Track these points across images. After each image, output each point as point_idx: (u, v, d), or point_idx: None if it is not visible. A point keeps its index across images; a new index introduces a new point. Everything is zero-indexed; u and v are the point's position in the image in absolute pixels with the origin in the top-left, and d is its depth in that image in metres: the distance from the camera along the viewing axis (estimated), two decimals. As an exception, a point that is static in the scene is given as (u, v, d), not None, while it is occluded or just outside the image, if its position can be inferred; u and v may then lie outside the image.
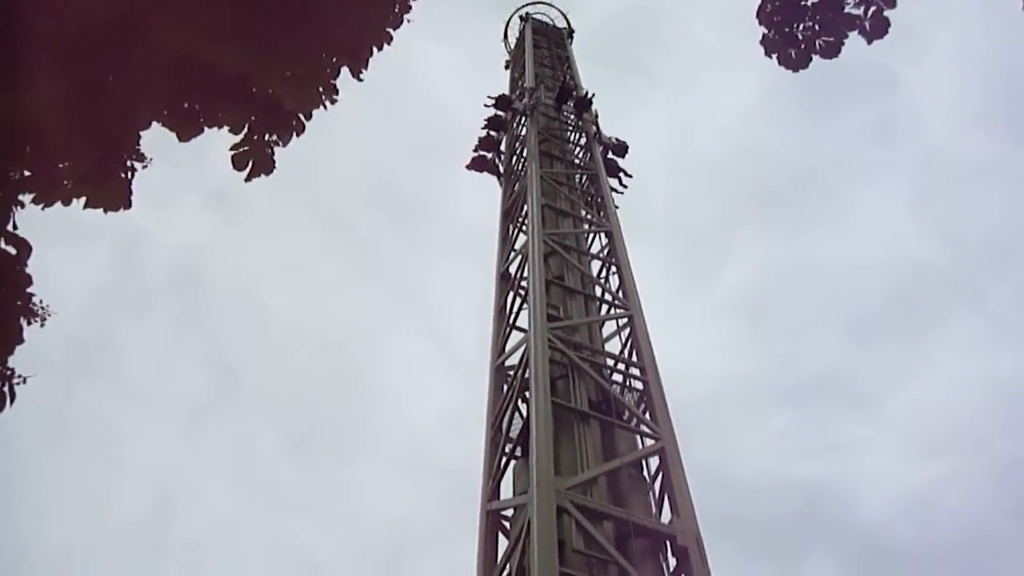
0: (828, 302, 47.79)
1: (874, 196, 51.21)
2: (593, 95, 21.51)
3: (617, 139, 20.54)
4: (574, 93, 21.82)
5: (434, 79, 53.84)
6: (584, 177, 18.77)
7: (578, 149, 20.19)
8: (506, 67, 28.83)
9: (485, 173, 21.05)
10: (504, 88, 25.39)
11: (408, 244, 56.75)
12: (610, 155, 20.12)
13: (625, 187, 19.73)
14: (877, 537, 37.24)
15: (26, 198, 6.41)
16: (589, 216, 17.27)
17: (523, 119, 21.14)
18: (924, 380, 44.82)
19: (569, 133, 20.74)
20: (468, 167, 21.07)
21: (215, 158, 7.43)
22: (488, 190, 19.99)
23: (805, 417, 44.92)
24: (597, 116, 21.08)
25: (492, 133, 21.64)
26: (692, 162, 57.30)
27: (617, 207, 17.88)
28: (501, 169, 20.78)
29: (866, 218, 50.34)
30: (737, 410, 46.12)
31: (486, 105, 22.30)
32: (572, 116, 21.26)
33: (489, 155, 21.25)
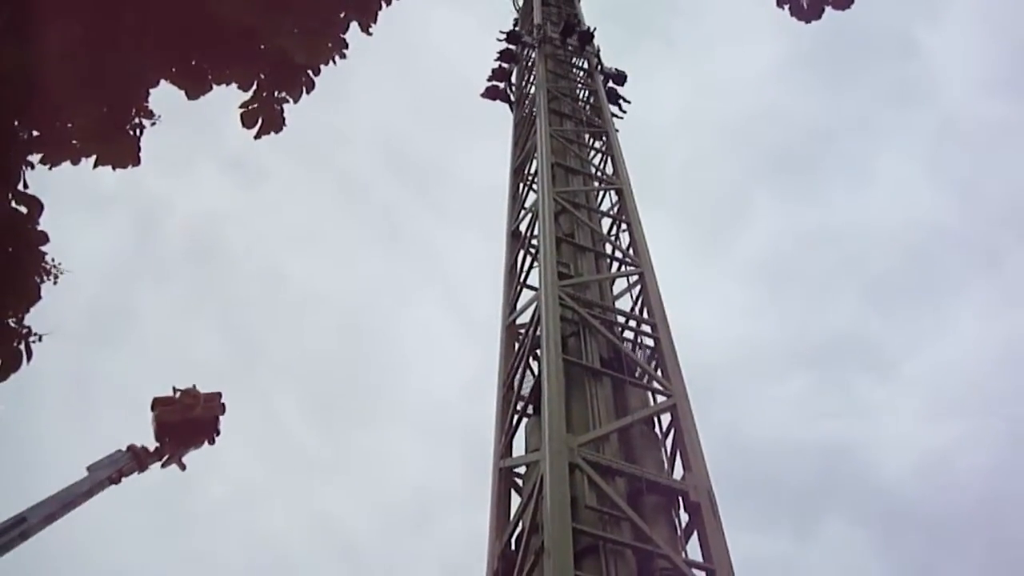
0: (845, 265, 47.68)
1: (891, 160, 50.92)
2: (595, 29, 22.82)
3: (617, 69, 21.79)
4: (577, 28, 22.97)
5: (444, 43, 53.42)
6: (592, 137, 18.67)
7: (588, 108, 20.11)
8: (515, 26, 28.75)
9: (498, 101, 22.64)
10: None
11: (425, 208, 56.67)
12: (610, 84, 21.30)
13: (625, 112, 20.89)
14: (896, 499, 37.39)
15: (35, 158, 6.38)
16: (599, 173, 17.19)
17: (532, 52, 22.42)
18: (941, 342, 44.81)
19: (578, 91, 20.73)
20: (482, 95, 22.78)
21: (231, 125, 7.37)
22: (502, 153, 19.94)
23: (823, 380, 44.96)
24: (599, 50, 22.27)
25: (504, 65, 23.28)
26: (709, 127, 56.98)
27: (618, 130, 18.87)
28: (513, 98, 22.21)
29: (883, 181, 50.09)
30: (755, 374, 46.15)
31: (498, 39, 23.95)
32: (575, 48, 22.35)
33: (501, 85, 22.86)
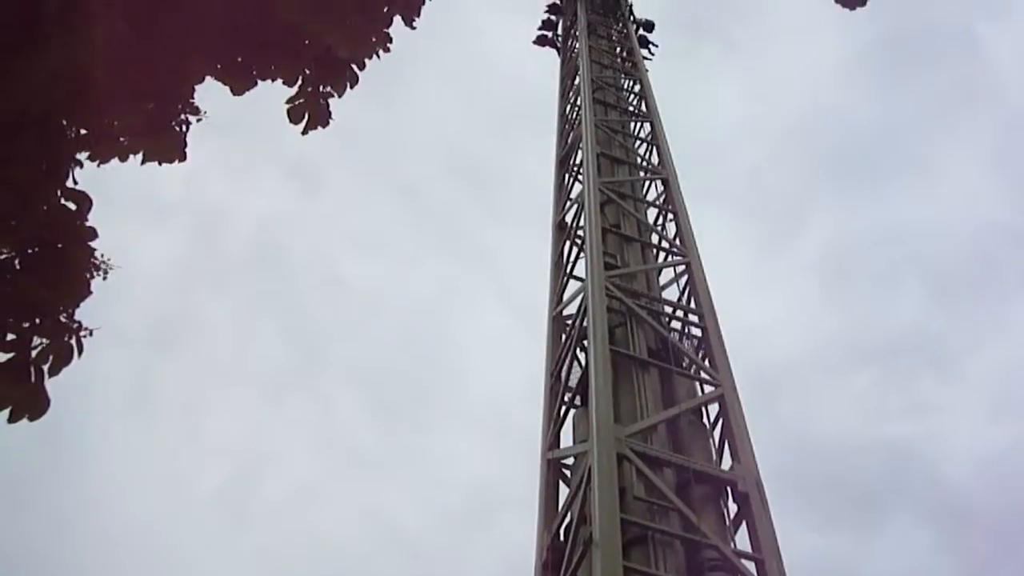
0: (908, 263, 46.94)
1: (955, 157, 50.05)
2: None
3: (646, 19, 24.57)
4: None
5: (495, 43, 53.49)
6: (639, 124, 18.59)
7: (632, 97, 20.06)
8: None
9: (547, 47, 24.98)
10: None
11: (484, 210, 56.82)
12: (640, 31, 23.91)
13: (653, 55, 23.32)
14: (961, 498, 36.83)
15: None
16: (645, 163, 17.13)
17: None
18: (1005, 341, 44.02)
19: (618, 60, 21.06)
20: (534, 43, 25.33)
21: (290, 131, 7.43)
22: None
23: (886, 377, 44.37)
24: (631, 3, 24.84)
25: (552, 17, 25.62)
26: (771, 127, 56.42)
27: (648, 70, 20.76)
28: (559, 45, 24.37)
29: (947, 179, 49.22)
30: (819, 371, 45.72)
31: None
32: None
33: (550, 34, 25.29)
